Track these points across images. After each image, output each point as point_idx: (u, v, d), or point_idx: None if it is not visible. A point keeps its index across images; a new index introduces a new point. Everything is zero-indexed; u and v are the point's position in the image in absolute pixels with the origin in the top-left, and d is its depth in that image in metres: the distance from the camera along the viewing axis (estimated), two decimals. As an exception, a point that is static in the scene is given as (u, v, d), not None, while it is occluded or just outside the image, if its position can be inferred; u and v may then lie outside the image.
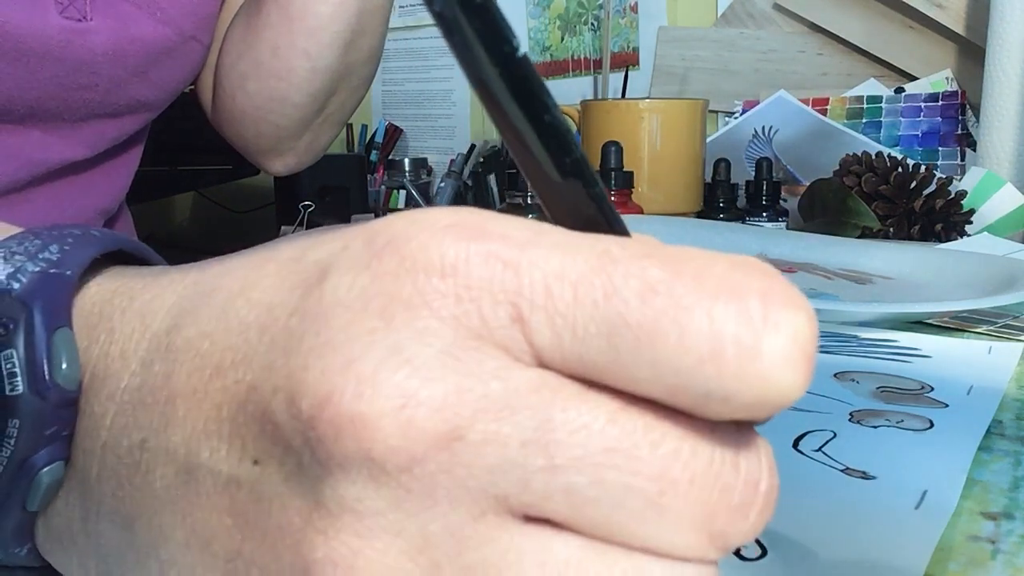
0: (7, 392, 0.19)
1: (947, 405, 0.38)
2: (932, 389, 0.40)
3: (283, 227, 1.38)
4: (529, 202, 0.81)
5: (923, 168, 0.91)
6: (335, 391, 0.15)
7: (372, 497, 0.15)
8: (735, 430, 0.15)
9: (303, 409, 0.15)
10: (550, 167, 0.16)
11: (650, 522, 0.15)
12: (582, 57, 1.46)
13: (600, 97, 1.37)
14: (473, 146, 1.45)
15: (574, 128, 1.04)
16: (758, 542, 0.26)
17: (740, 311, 0.14)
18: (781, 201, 0.96)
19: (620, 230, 0.17)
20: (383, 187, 1.52)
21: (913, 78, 1.22)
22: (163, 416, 0.18)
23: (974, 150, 1.13)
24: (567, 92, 1.44)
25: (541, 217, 0.17)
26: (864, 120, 1.22)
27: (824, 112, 1.23)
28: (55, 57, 0.49)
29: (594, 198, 0.17)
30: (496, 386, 0.15)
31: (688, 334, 0.14)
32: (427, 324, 0.15)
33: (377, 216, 0.69)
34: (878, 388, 0.41)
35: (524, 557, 0.15)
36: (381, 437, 0.15)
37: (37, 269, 0.21)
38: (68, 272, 0.21)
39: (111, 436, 0.19)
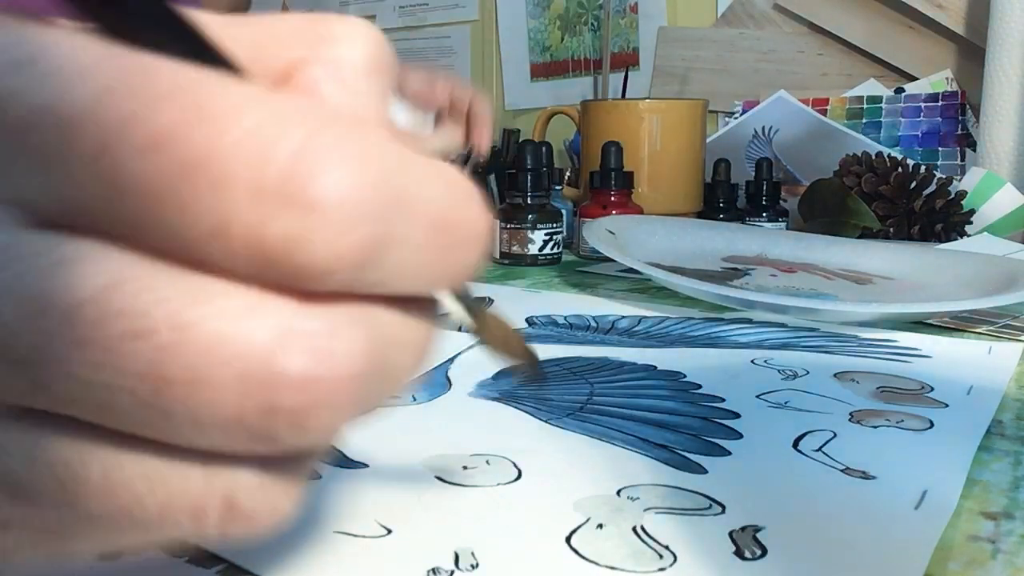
0: None
1: (947, 405, 0.38)
2: (932, 389, 0.40)
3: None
4: (529, 202, 0.81)
5: (923, 168, 0.91)
6: None
7: None
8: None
9: None
10: None
11: (152, 422, 0.13)
12: (582, 57, 1.46)
13: (600, 97, 1.37)
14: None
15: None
16: (758, 542, 0.26)
17: (254, 182, 0.12)
18: (781, 201, 0.96)
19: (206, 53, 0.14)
20: (383, 187, 1.51)
21: (913, 78, 1.22)
22: None
23: (974, 150, 1.13)
24: (567, 92, 1.44)
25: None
26: (864, 120, 1.22)
27: (824, 112, 1.23)
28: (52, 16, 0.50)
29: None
30: None
31: (193, 203, 0.12)
32: None
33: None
34: (878, 388, 0.41)
35: None
36: None
37: None
38: None
39: None
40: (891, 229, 0.88)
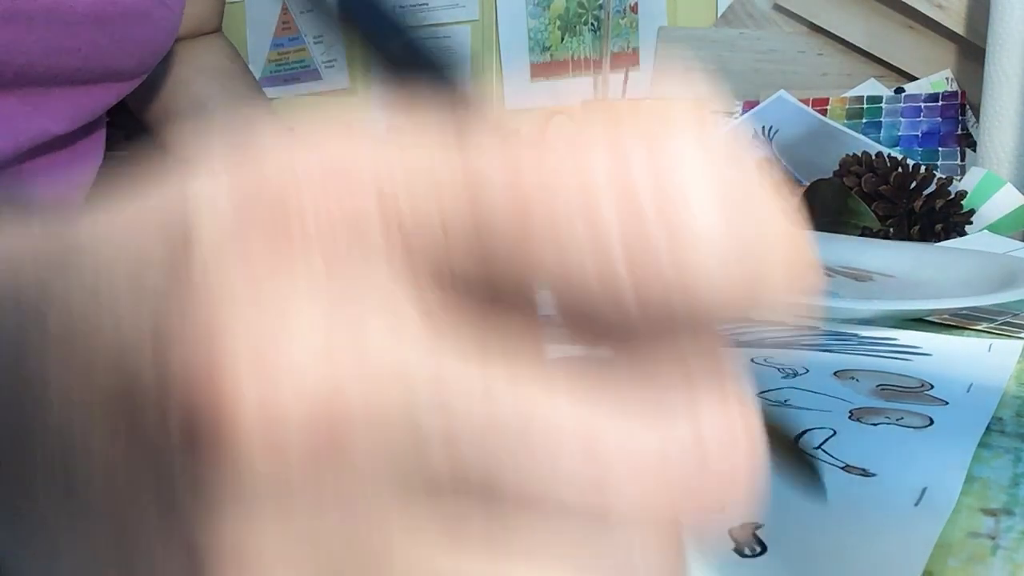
0: None
1: (947, 403, 0.38)
2: (932, 387, 0.40)
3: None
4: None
5: (923, 168, 0.91)
6: (199, 391, 0.13)
7: (258, 503, 0.13)
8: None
9: (169, 414, 0.14)
10: None
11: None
12: (582, 57, 1.46)
13: (600, 97, 1.37)
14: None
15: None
16: (758, 539, 0.26)
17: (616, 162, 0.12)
18: (781, 201, 0.95)
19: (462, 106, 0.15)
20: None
21: (913, 78, 1.22)
22: (37, 375, 0.16)
23: (974, 150, 1.13)
24: (567, 92, 1.44)
25: None
26: (864, 120, 1.22)
27: (824, 112, 1.23)
28: (44, 19, 0.51)
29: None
30: (380, 354, 0.13)
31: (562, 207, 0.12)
32: (298, 287, 0.13)
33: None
34: (878, 386, 0.41)
35: (438, 535, 0.14)
36: (252, 444, 0.13)
37: None
38: None
39: None
40: (891, 229, 0.88)
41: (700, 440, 0.13)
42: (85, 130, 0.61)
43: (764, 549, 0.26)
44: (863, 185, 0.90)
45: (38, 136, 0.55)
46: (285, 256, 0.13)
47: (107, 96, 0.60)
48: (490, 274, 0.13)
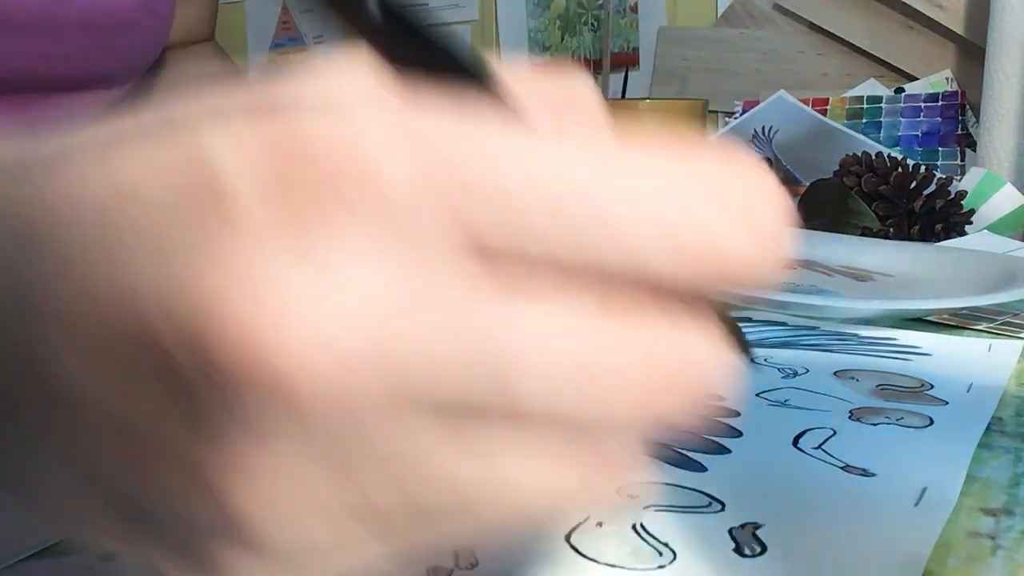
0: None
1: (947, 403, 0.38)
2: (932, 387, 0.40)
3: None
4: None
5: (923, 168, 0.91)
6: (241, 321, 0.12)
7: (287, 448, 0.13)
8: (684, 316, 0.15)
9: (201, 343, 0.13)
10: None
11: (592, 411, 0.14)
12: (582, 57, 1.46)
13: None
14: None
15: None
16: (758, 539, 0.26)
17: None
18: (781, 201, 0.95)
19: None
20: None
21: (913, 78, 1.22)
22: (34, 339, 0.15)
23: (974, 150, 1.13)
24: (567, 92, 1.43)
25: None
26: (864, 120, 1.22)
27: (824, 112, 1.23)
28: (33, 27, 0.52)
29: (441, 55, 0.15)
30: (443, 314, 0.13)
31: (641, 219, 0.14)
32: (354, 238, 0.13)
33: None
34: (878, 386, 0.41)
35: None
36: (296, 381, 0.12)
37: None
38: None
39: None
40: (891, 229, 0.88)
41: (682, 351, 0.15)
42: None
43: (764, 549, 0.26)
44: (863, 185, 0.89)
45: None
46: (334, 216, 0.13)
47: (96, 102, 0.61)
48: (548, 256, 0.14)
